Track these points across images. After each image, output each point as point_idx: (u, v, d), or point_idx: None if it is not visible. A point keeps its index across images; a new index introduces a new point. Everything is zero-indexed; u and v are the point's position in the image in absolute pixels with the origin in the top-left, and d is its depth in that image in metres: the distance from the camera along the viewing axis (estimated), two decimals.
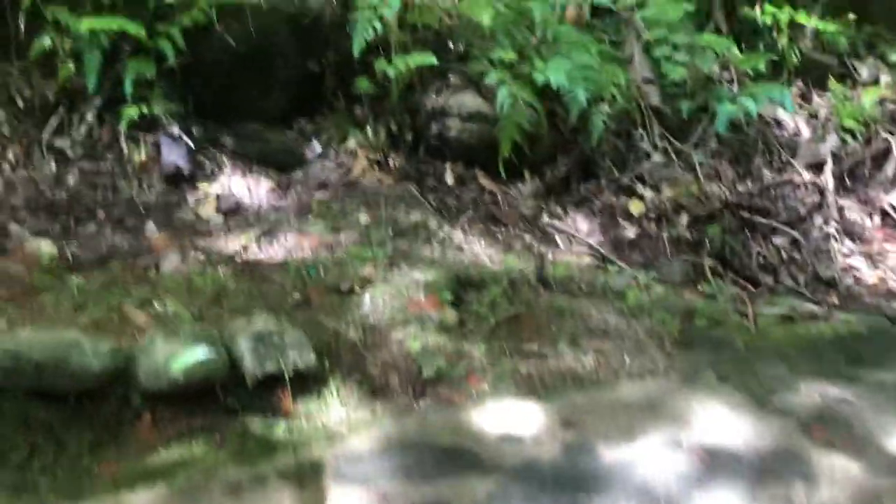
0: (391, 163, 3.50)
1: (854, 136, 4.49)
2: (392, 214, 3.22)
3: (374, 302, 2.67)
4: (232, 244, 2.90)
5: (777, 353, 2.84)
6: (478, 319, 2.75)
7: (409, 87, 3.63)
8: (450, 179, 3.61)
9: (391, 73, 3.39)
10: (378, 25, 3.30)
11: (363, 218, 3.16)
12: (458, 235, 3.27)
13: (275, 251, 2.91)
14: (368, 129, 3.52)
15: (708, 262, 3.64)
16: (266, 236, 2.96)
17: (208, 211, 3.04)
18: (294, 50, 3.45)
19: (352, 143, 3.48)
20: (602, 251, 3.55)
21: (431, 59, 3.40)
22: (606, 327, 2.87)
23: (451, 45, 3.79)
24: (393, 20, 3.38)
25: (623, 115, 4.02)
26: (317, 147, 3.45)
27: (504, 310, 2.82)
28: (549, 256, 3.39)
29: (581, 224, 3.72)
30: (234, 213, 3.07)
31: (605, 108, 3.85)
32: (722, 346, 2.85)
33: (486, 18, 3.53)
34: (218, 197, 3.09)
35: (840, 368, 2.77)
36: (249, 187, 3.20)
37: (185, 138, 3.15)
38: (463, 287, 2.89)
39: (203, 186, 3.12)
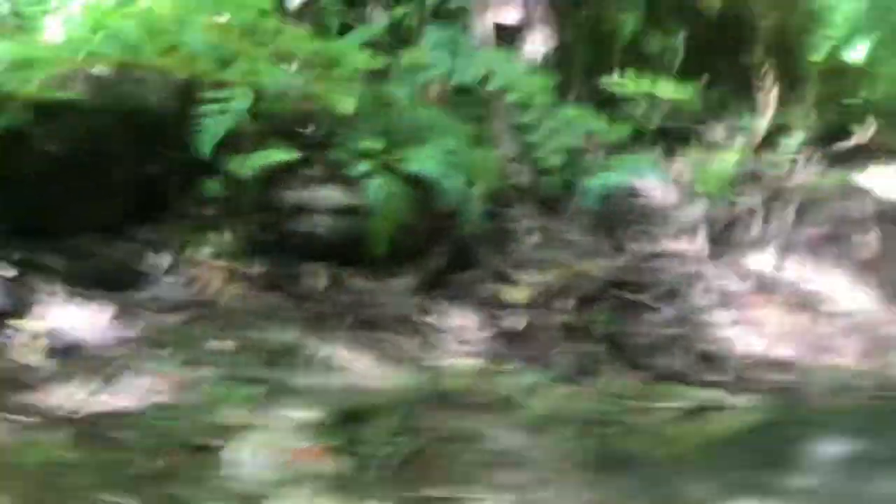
0: (253, 271, 3.00)
1: (717, 200, 4.37)
2: (259, 336, 2.74)
3: (250, 459, 2.17)
4: (68, 397, 2.32)
5: (697, 462, 2.56)
6: (376, 463, 2.30)
7: (267, 183, 3.16)
8: (321, 283, 3.15)
9: (246, 172, 2.91)
10: (228, 120, 2.82)
11: (226, 344, 2.65)
12: (337, 352, 2.82)
13: (122, 400, 2.35)
14: (224, 234, 3.02)
15: (598, 349, 3.35)
16: (110, 382, 2.40)
17: (36, 356, 2.43)
18: (132, 152, 2.92)
19: (206, 252, 2.97)
20: (491, 348, 3.19)
21: (290, 155, 2.96)
22: (517, 452, 2.50)
23: (311, 133, 3.35)
24: (244, 113, 2.90)
25: (496, 196, 3.71)
26: (165, 260, 2.91)
27: (403, 444, 2.38)
28: (439, 363, 3.00)
29: (466, 319, 3.34)
30: (68, 356, 2.48)
31: (478, 191, 3.52)
32: (641, 462, 2.51)
33: (346, 106, 3.13)
34: (47, 336, 2.49)
35: (764, 475, 2.49)
36: (87, 319, 2.62)
37: (2, 266, 2.54)
38: (352, 421, 2.44)
39: (27, 325, 2.51)
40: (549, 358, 3.24)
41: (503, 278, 3.59)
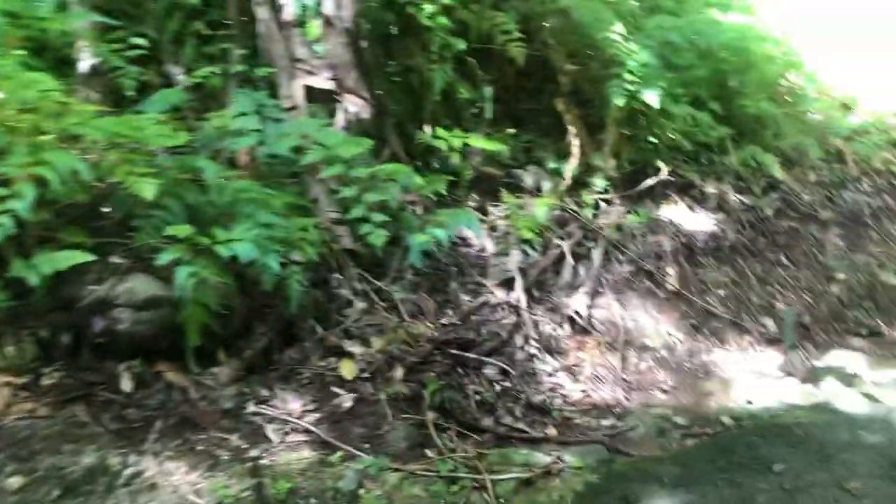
0: (45, 383, 2.57)
1: (533, 247, 4.31)
2: (54, 462, 2.32)
3: None
4: None
5: None
6: None
7: (58, 277, 2.72)
8: (127, 385, 2.75)
9: (34, 278, 2.48)
10: (6, 227, 2.38)
11: (14, 481, 2.22)
12: (149, 466, 2.45)
13: None
14: (7, 345, 2.56)
15: (430, 418, 3.15)
16: None
17: None
18: None
19: None
20: (319, 434, 2.91)
21: (85, 258, 2.54)
22: None
23: (110, 217, 2.94)
24: (27, 211, 2.47)
25: (318, 263, 3.41)
26: None
27: None
28: (264, 461, 2.69)
29: (292, 403, 3.05)
30: None
31: (299, 258, 3.22)
32: None
33: (148, 191, 2.75)
34: None
35: None
36: None
37: None
38: None
39: None
40: (380, 437, 3.01)
41: (332, 351, 3.31)
